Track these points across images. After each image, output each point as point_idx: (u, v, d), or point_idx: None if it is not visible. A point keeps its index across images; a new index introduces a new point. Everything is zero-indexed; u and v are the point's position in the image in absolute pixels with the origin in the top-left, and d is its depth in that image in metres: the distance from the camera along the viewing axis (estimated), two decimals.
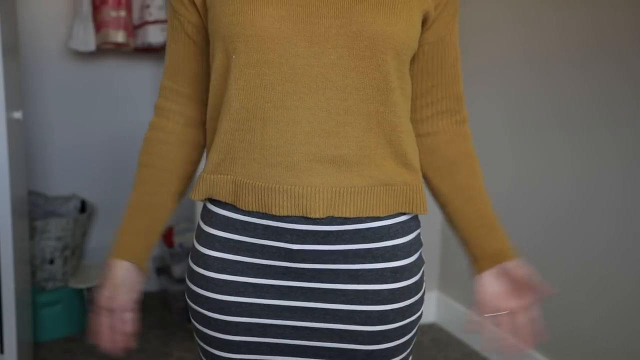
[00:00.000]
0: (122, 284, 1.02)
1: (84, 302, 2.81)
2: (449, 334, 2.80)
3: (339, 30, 0.91)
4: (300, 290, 0.97)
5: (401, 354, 1.03)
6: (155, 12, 2.78)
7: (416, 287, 1.01)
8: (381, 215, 0.97)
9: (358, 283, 0.97)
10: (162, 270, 3.05)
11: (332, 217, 0.95)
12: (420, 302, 1.03)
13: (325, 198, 0.93)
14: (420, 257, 1.04)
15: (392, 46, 0.93)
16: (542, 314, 2.32)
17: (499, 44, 2.45)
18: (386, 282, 0.98)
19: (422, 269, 1.04)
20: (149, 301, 3.09)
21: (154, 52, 3.01)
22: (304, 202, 0.93)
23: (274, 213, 0.94)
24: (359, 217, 0.96)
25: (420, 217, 1.07)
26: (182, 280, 2.87)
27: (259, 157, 0.94)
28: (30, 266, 2.53)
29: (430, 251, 2.86)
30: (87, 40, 2.73)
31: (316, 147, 0.92)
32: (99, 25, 2.74)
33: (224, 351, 1.01)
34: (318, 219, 0.94)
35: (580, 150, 2.10)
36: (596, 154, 2.04)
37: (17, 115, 2.02)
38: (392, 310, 0.98)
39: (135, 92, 3.08)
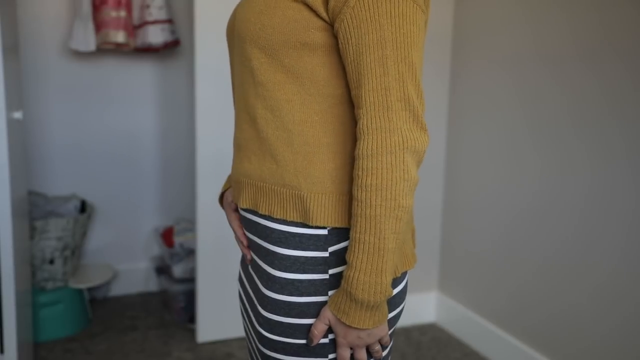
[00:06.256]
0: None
1: (84, 302, 2.81)
2: (449, 334, 2.80)
3: None
4: None
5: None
6: (155, 12, 2.78)
7: None
8: None
9: None
10: (162, 270, 3.05)
11: None
12: None
13: None
14: None
15: None
16: (544, 314, 2.32)
17: (510, 40, 2.45)
18: None
19: None
20: (149, 301, 3.09)
21: (154, 52, 3.01)
22: None
23: None
24: None
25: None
26: (182, 280, 2.86)
27: None
28: (31, 266, 2.53)
29: (430, 251, 2.86)
30: (87, 40, 2.73)
31: None
32: (99, 25, 2.74)
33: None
34: None
35: (593, 146, 2.10)
36: (607, 151, 2.04)
37: (17, 115, 2.02)
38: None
39: (135, 92, 3.08)
